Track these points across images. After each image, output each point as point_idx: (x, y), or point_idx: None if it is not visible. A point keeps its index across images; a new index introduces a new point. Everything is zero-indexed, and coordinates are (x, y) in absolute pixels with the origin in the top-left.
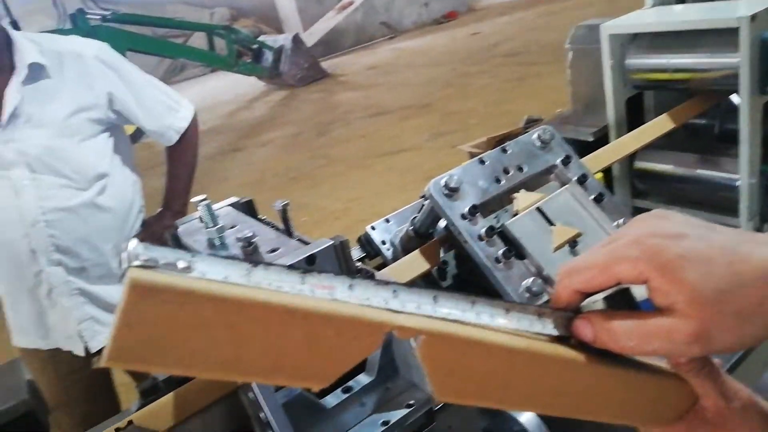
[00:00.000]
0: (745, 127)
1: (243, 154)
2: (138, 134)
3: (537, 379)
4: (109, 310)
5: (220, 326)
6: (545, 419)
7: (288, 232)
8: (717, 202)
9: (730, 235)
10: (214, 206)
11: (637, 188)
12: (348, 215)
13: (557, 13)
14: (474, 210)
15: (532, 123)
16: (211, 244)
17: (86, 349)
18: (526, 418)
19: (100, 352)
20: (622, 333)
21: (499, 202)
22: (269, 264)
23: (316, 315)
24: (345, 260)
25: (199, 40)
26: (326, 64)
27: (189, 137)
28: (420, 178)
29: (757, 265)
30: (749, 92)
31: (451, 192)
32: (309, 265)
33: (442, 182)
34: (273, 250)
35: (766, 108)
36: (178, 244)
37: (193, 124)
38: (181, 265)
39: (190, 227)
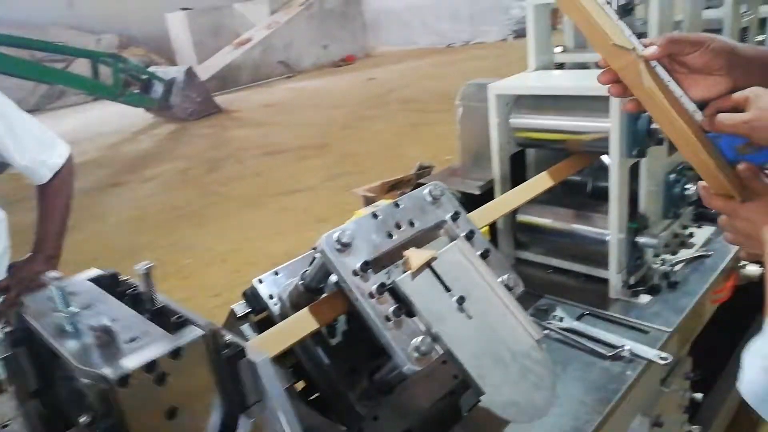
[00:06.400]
0: (614, 186)
1: (124, 189)
2: (1, 166)
3: None
4: None
5: None
6: None
7: (151, 300)
8: (590, 255)
9: None
10: (73, 278)
11: (519, 240)
12: (237, 257)
13: (450, 64)
14: (366, 266)
15: (423, 169)
16: (60, 330)
17: None
18: None
19: None
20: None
21: (391, 257)
22: None
23: None
24: (216, 352)
25: (83, 67)
26: (221, 100)
27: (63, 177)
28: (314, 219)
29: None
30: (618, 154)
31: (343, 247)
32: (173, 358)
33: (335, 237)
34: (133, 339)
35: (632, 169)
36: (22, 323)
37: (69, 163)
38: None
39: (42, 306)
